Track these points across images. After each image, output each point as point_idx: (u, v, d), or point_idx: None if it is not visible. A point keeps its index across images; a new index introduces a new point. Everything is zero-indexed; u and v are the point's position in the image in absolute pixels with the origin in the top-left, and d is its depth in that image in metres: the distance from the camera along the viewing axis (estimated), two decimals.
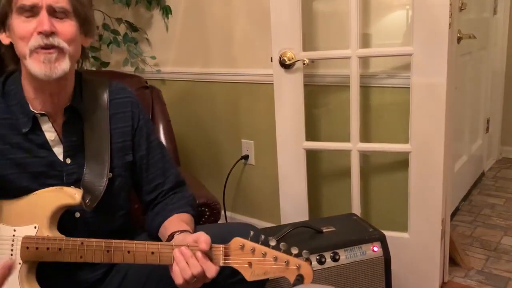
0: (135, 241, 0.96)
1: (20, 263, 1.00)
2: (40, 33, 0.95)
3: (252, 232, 0.95)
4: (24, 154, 1.03)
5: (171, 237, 1.01)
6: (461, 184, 2.52)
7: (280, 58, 1.67)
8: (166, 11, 2.28)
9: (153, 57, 2.38)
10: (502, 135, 3.22)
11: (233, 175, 2.25)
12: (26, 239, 0.99)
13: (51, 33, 0.96)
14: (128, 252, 0.96)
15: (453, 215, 2.34)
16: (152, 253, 0.95)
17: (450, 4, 1.47)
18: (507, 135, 3.21)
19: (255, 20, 2.01)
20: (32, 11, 0.96)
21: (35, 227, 1.00)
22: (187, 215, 1.14)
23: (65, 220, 1.05)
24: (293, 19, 1.63)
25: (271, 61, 1.70)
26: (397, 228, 1.71)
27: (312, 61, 1.77)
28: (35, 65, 0.97)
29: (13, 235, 1.01)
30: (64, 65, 0.99)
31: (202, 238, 0.92)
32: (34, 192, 1.02)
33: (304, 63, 1.65)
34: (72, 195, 1.01)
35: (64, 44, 0.98)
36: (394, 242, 1.52)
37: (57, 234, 1.01)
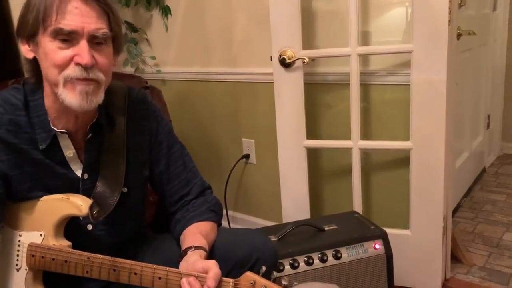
0: (142, 264, 0.94)
1: (26, 269, 1.00)
2: (78, 64, 0.90)
3: (264, 268, 0.92)
4: (41, 169, 1.00)
5: (184, 253, 0.99)
6: (462, 180, 2.52)
7: (280, 57, 1.67)
8: (166, 11, 2.28)
9: (153, 57, 2.39)
10: (503, 131, 3.21)
11: (234, 174, 2.26)
12: (32, 247, 0.99)
13: (91, 66, 0.91)
14: (135, 274, 0.94)
15: (454, 211, 2.34)
16: (160, 278, 0.92)
17: (450, 1, 1.47)
18: (508, 131, 3.21)
19: (254, 19, 2.01)
20: (69, 37, 0.89)
21: (41, 235, 0.99)
22: (207, 224, 1.11)
23: (77, 230, 1.04)
24: (293, 18, 1.64)
25: (271, 60, 1.71)
26: (399, 225, 1.71)
27: (312, 59, 1.77)
28: (70, 96, 0.91)
29: (19, 240, 1.00)
30: (99, 98, 0.95)
31: (212, 273, 0.88)
32: (40, 199, 1.00)
33: (304, 62, 1.65)
34: (78, 206, 0.98)
35: (101, 77, 0.94)
36: (396, 239, 1.53)
37: (63, 242, 1.00)
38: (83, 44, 0.90)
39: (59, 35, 0.89)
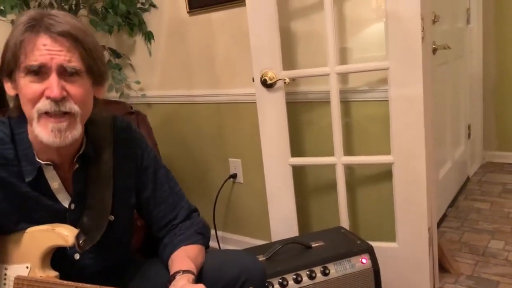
0: None
1: None
2: (48, 97, 0.90)
3: None
4: (29, 202, 1.00)
5: (172, 278, 0.99)
6: (447, 190, 2.56)
7: (262, 78, 1.71)
8: (148, 36, 2.32)
9: (138, 82, 2.41)
10: (484, 140, 3.28)
11: (223, 194, 2.27)
12: (19, 280, 0.98)
13: (62, 98, 0.91)
14: None
15: (441, 221, 2.38)
16: None
17: (422, 19, 1.53)
18: (489, 140, 3.28)
19: (236, 42, 2.05)
20: (40, 72, 0.91)
21: (27, 267, 0.98)
22: (195, 247, 1.12)
23: (64, 260, 1.04)
24: (272, 40, 1.68)
25: (253, 81, 1.74)
26: (386, 238, 1.74)
27: (293, 79, 1.81)
28: (43, 133, 0.92)
29: (5, 274, 1.00)
30: (75, 132, 0.95)
31: None
32: (25, 231, 1.00)
33: (285, 82, 1.69)
34: (64, 237, 0.98)
35: (75, 109, 0.93)
36: (384, 252, 1.55)
37: (50, 273, 0.99)
38: (53, 77, 0.91)
39: (30, 71, 0.91)
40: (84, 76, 0.96)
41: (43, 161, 1.00)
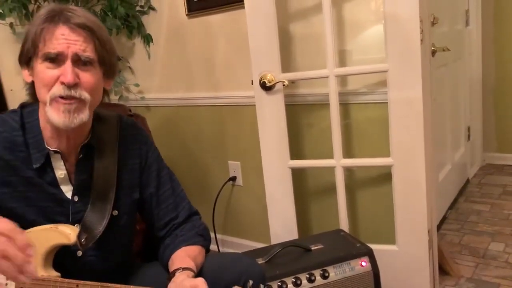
0: (131, 286, 0.96)
1: None
2: (62, 83, 0.96)
3: (251, 282, 0.95)
4: (33, 189, 1.03)
5: (172, 275, 1.00)
6: (447, 192, 2.56)
7: (261, 80, 1.70)
8: (147, 39, 2.32)
9: (137, 85, 2.41)
10: (483, 142, 3.28)
11: (222, 197, 2.26)
12: None
13: (74, 84, 0.96)
14: None
15: (441, 223, 2.37)
16: None
17: (421, 21, 1.53)
18: (488, 142, 3.28)
19: (235, 44, 2.05)
20: (57, 59, 0.97)
21: None
22: (195, 248, 1.13)
23: (67, 257, 1.05)
24: (271, 43, 1.68)
25: (252, 84, 1.74)
26: (386, 241, 1.73)
27: (292, 81, 1.81)
28: (54, 114, 0.97)
29: None
30: (83, 115, 0.99)
31: None
32: (28, 230, 1.01)
33: (284, 84, 1.69)
34: (66, 235, 1.00)
35: (85, 95, 0.99)
36: (384, 255, 1.54)
37: (52, 273, 1.01)
38: (67, 64, 0.96)
39: (48, 58, 0.97)
40: (97, 66, 1.01)
41: (51, 148, 1.03)
